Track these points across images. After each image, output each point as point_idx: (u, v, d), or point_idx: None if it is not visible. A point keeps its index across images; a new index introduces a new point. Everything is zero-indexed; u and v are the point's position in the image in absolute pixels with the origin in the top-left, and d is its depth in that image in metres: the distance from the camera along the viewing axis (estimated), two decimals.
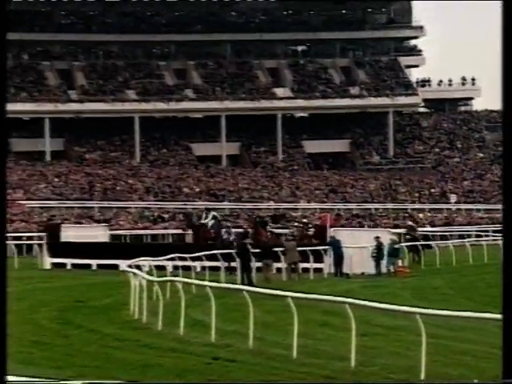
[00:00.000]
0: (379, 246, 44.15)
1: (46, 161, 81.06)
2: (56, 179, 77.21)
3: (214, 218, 46.30)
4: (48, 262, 47.46)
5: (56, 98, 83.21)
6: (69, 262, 45.29)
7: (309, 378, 18.09)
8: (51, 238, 48.27)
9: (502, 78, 8.42)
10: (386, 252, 44.20)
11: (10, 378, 10.18)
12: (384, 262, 44.13)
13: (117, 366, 18.69)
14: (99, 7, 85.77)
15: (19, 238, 56.46)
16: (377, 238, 44.80)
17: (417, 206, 77.27)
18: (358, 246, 44.73)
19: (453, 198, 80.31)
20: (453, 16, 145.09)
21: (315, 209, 72.61)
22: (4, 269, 9.16)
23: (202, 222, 46.41)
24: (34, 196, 73.05)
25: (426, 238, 52.34)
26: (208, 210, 49.07)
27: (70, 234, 47.74)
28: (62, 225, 52.95)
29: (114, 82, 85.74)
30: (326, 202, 75.54)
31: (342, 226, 57.30)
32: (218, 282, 30.57)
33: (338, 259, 43.54)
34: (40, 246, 51.35)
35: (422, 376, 18.09)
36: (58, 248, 47.18)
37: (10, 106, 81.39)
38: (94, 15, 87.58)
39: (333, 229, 49.27)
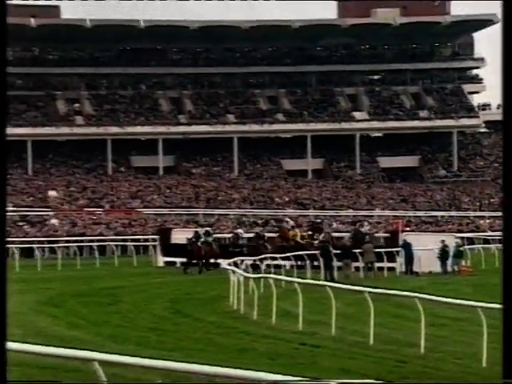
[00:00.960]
0: (444, 248, 43.84)
1: (159, 175, 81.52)
2: (167, 190, 77.69)
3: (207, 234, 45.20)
4: (161, 260, 47.79)
5: (168, 121, 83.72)
6: (178, 260, 45.55)
7: (383, 361, 17.98)
8: (164, 240, 48.63)
9: (502, 78, 7.74)
10: (451, 253, 43.90)
11: (129, 359, 10.13)
12: (449, 262, 43.82)
13: (218, 349, 18.72)
14: (204, 44, 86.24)
15: (137, 240, 56.87)
16: (442, 241, 44.50)
17: (478, 213, 76.48)
18: (425, 248, 44.41)
19: None
20: None
21: (388, 216, 72.21)
22: (4, 268, 8.03)
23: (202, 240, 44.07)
24: (150, 204, 73.54)
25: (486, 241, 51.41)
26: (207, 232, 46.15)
27: (179, 236, 48.00)
28: (173, 229, 53.23)
29: (217, 108, 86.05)
30: (397, 210, 75.06)
31: (412, 231, 56.90)
32: (304, 278, 30.46)
33: (409, 259, 43.31)
34: (154, 247, 51.73)
35: (484, 361, 17.88)
36: (170, 249, 47.49)
37: (130, 129, 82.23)
38: (200, 51, 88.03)
39: (404, 233, 49.02)
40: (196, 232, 45.49)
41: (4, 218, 8.17)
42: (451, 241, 46.64)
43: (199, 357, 14.70)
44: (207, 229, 47.91)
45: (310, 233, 47.62)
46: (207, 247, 43.13)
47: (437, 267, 43.68)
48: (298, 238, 45.91)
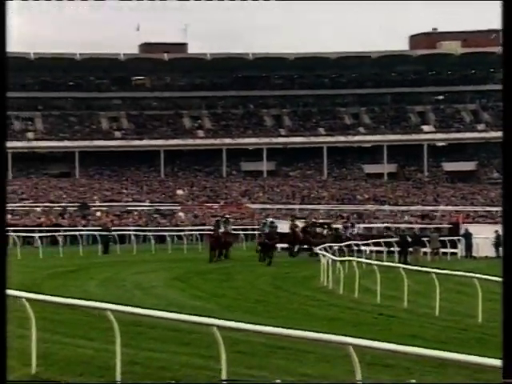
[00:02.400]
0: (498, 237, 43.18)
1: (263, 177, 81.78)
2: (270, 189, 77.81)
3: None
4: None
5: (270, 134, 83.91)
6: (279, 246, 44.88)
7: (447, 329, 17.76)
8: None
9: (502, 77, 6.71)
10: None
11: (244, 325, 10.15)
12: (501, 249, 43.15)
13: (311, 318, 18.69)
14: (300, 72, 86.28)
15: (246, 230, 56.93)
16: (496, 231, 43.84)
17: None
18: (482, 236, 43.81)
19: None
20: None
21: (451, 211, 71.31)
22: (4, 268, 7.15)
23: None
24: (256, 201, 73.76)
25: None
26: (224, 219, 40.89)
27: (281, 226, 46.99)
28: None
29: (310, 123, 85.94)
30: (458, 206, 74.08)
31: (471, 223, 56.11)
32: (381, 261, 30.24)
33: (468, 246, 42.78)
34: (260, 235, 51.65)
35: (479, 318, 17.53)
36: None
37: (240, 140, 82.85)
38: (296, 77, 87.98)
39: (464, 225, 48.44)
40: (217, 221, 40.47)
41: (4, 217, 7.23)
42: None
43: (296, 323, 14.70)
44: (226, 216, 43.30)
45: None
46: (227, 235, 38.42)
47: (492, 253, 43.04)
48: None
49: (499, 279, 20.24)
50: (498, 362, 8.17)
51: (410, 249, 40.50)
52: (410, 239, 40.69)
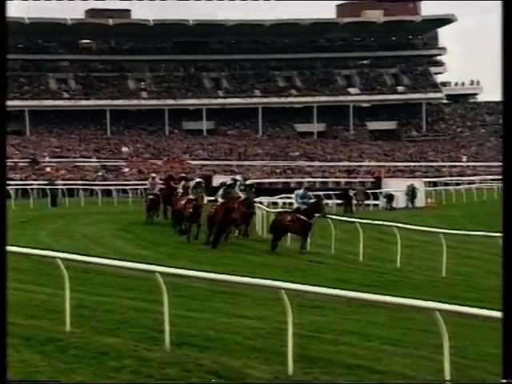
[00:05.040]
0: (413, 190, 43.64)
1: (203, 135, 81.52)
2: (210, 147, 77.56)
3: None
4: (205, 199, 47.02)
5: (210, 95, 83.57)
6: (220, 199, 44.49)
7: (370, 273, 17.97)
8: (207, 184, 48.01)
9: (502, 77, 6.30)
10: (418, 194, 43.63)
11: (181, 271, 10.13)
12: (417, 200, 43.59)
13: (248, 264, 18.73)
14: (237, 37, 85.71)
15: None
16: (411, 184, 44.26)
17: (436, 164, 76.06)
18: (400, 190, 44.28)
19: (464, 158, 78.95)
20: (465, 38, 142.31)
21: (374, 166, 71.98)
22: (4, 268, 6.73)
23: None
24: (196, 158, 73.52)
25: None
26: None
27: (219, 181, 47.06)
28: (213, 175, 53.00)
29: (246, 85, 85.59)
30: (381, 162, 74.82)
31: (391, 177, 56.73)
32: None
33: (389, 198, 43.19)
34: None
35: (443, 272, 17.81)
36: (211, 190, 46.71)
37: (182, 101, 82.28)
38: (234, 43, 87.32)
39: (385, 179, 48.90)
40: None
41: (4, 216, 6.79)
42: (420, 184, 46.45)
43: (235, 270, 14.74)
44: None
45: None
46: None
47: (409, 204, 43.54)
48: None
49: (416, 227, 20.56)
50: (413, 302, 8.31)
51: (354, 201, 40.68)
52: (352, 193, 40.90)
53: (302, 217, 21.42)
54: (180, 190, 26.77)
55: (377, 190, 44.41)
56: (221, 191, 23.60)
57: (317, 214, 21.76)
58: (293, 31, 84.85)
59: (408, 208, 42.47)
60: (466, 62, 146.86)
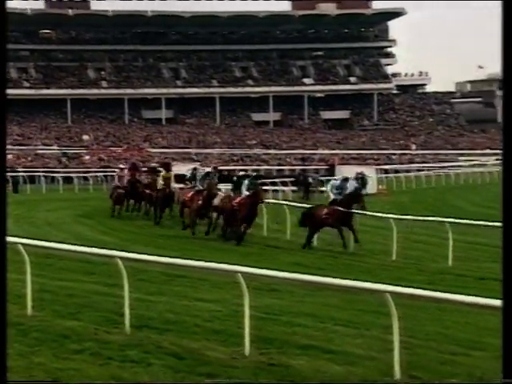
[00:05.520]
0: (362, 177, 43.65)
1: (162, 124, 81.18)
2: (169, 135, 77.26)
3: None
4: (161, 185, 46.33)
5: (168, 85, 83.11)
6: (177, 186, 44.33)
7: (324, 257, 18.03)
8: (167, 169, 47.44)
9: (502, 78, 6.06)
10: (367, 181, 43.70)
11: (135, 255, 10.08)
12: (368, 187, 43.64)
13: (208, 249, 18.63)
14: (195, 29, 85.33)
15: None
16: (360, 172, 44.32)
17: (387, 151, 76.56)
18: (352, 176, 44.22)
19: (413, 146, 79.60)
20: (414, 31, 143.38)
21: (328, 154, 72.29)
22: (4, 267, 6.66)
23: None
24: (156, 145, 73.15)
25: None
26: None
27: (177, 168, 46.95)
28: (172, 162, 52.63)
29: (204, 75, 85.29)
30: (334, 150, 75.14)
31: (345, 164, 56.97)
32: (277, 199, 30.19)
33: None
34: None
35: (394, 256, 17.96)
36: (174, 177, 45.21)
37: (141, 90, 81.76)
38: (192, 34, 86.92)
39: (338, 166, 49.14)
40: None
41: (4, 215, 6.62)
42: (372, 171, 46.68)
43: (194, 254, 14.71)
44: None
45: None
46: None
47: (364, 190, 43.43)
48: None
49: (368, 213, 20.64)
50: (364, 284, 8.40)
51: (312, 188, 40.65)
52: (310, 180, 40.87)
53: (339, 209, 19.28)
54: (161, 182, 25.52)
55: (331, 177, 44.55)
56: (246, 182, 20.60)
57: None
58: (249, 23, 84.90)
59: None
60: (415, 53, 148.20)
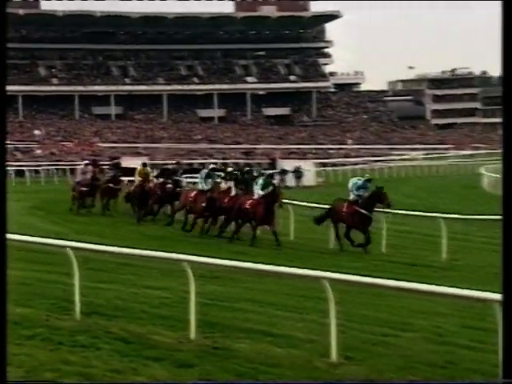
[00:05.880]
0: (298, 170, 43.53)
1: (112, 119, 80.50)
2: (118, 130, 76.63)
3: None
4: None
5: (118, 82, 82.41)
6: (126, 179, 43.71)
7: (266, 247, 17.96)
8: (117, 165, 46.72)
9: (502, 78, 5.79)
10: (303, 174, 43.66)
11: (85, 245, 9.97)
12: (303, 179, 43.43)
13: (152, 239, 18.45)
14: (142, 29, 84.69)
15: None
16: (298, 166, 44.30)
17: (325, 146, 77.00)
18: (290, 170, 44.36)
19: (349, 141, 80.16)
20: (350, 32, 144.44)
21: (270, 148, 72.44)
22: (4, 267, 6.36)
23: None
24: (106, 140, 72.47)
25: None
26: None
27: (126, 162, 46.55)
28: (122, 156, 52.05)
29: (151, 74, 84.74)
30: (276, 145, 75.33)
31: (285, 159, 57.20)
32: None
33: (283, 178, 43.17)
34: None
35: (331, 244, 18.02)
36: (125, 171, 44.42)
37: (91, 87, 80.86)
38: (140, 33, 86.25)
39: (279, 160, 49.28)
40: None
41: (4, 215, 6.32)
42: (310, 165, 46.88)
43: (141, 244, 14.57)
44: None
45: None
46: None
47: (296, 183, 43.19)
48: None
49: (307, 204, 20.68)
50: (303, 271, 8.45)
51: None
52: (255, 173, 40.58)
53: (360, 210, 17.25)
54: (138, 178, 23.40)
55: (272, 171, 44.59)
56: (261, 181, 18.34)
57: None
58: (194, 24, 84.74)
59: (295, 187, 42.72)
60: (350, 54, 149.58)
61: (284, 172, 43.08)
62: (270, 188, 17.97)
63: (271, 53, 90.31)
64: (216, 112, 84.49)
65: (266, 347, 8.26)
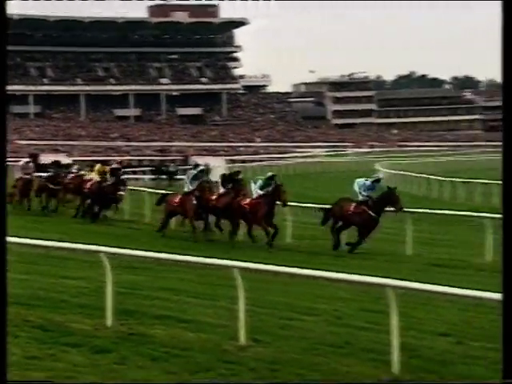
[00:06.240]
0: (208, 167, 43.38)
1: (30, 118, 78.87)
2: (37, 128, 75.01)
3: None
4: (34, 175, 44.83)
5: (36, 82, 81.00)
6: (44, 174, 42.83)
7: (178, 238, 17.84)
8: (34, 162, 45.92)
9: (502, 78, 5.52)
10: (213, 170, 43.45)
11: (12, 239, 9.73)
12: (214, 175, 43.26)
13: (76, 232, 18.06)
14: (60, 32, 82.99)
15: (18, 161, 53.86)
16: (207, 163, 44.18)
17: (235, 144, 77.26)
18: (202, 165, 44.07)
19: (258, 140, 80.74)
20: (258, 37, 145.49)
21: (183, 146, 72.11)
22: (4, 267, 6.21)
23: None
24: (25, 138, 70.74)
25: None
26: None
27: (45, 159, 45.55)
28: (40, 154, 50.94)
29: (69, 74, 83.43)
30: (188, 142, 75.16)
31: (198, 155, 56.82)
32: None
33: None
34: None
35: (242, 235, 18.05)
36: (39, 167, 44.36)
37: (10, 87, 78.52)
38: (57, 36, 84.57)
39: (192, 157, 48.80)
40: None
41: (4, 215, 6.01)
42: (221, 161, 46.77)
43: (64, 237, 14.28)
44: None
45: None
46: None
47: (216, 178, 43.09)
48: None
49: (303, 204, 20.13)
50: (213, 261, 8.49)
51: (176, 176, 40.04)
52: (172, 169, 40.30)
53: (369, 211, 15.53)
54: (96, 177, 21.11)
55: (186, 167, 44.44)
56: (260, 181, 16.88)
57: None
58: (110, 28, 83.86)
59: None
60: (259, 58, 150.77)
61: (197, 166, 42.92)
62: (271, 188, 16.48)
63: (184, 56, 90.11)
64: (132, 111, 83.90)
65: (179, 332, 8.26)
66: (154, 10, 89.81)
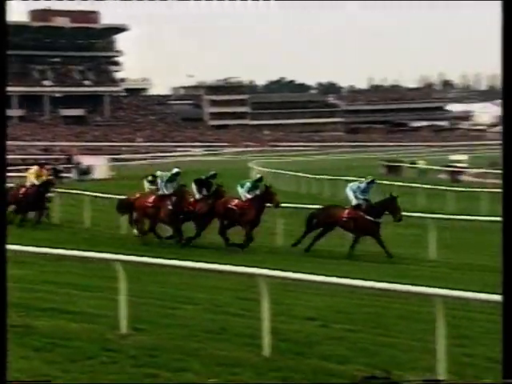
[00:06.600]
0: (86, 169, 42.38)
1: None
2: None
3: None
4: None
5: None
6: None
7: (63, 233, 17.36)
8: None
9: (502, 79, 5.23)
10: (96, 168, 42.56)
11: None
12: (97, 173, 42.31)
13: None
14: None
15: None
16: (78, 163, 43.31)
17: (117, 144, 75.87)
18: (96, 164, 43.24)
19: (139, 139, 79.78)
20: (140, 43, 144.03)
21: (67, 145, 70.24)
22: (4, 267, 6.01)
23: None
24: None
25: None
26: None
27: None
28: None
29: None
30: (72, 142, 73.37)
31: (83, 154, 55.58)
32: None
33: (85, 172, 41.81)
34: None
35: (124, 229, 17.75)
36: None
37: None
38: None
39: (76, 156, 47.92)
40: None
41: (4, 215, 5.79)
42: (103, 160, 46.05)
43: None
44: None
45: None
46: None
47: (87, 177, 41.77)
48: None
49: (103, 195, 19.90)
50: (97, 254, 8.35)
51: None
52: (61, 167, 38.80)
53: (365, 216, 14.22)
54: (33, 180, 18.73)
55: (69, 165, 43.34)
56: (248, 184, 15.43)
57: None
58: None
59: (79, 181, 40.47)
60: (140, 61, 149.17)
61: (78, 165, 42.10)
62: (258, 191, 15.14)
63: (67, 60, 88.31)
64: (15, 112, 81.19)
65: (63, 323, 8.12)
66: (36, 14, 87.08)
